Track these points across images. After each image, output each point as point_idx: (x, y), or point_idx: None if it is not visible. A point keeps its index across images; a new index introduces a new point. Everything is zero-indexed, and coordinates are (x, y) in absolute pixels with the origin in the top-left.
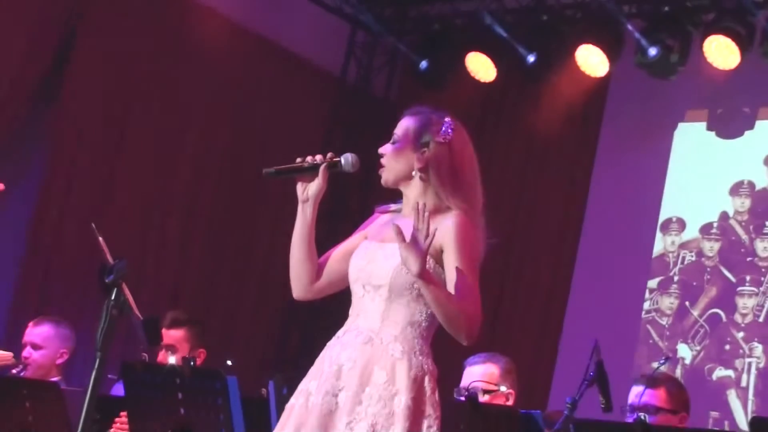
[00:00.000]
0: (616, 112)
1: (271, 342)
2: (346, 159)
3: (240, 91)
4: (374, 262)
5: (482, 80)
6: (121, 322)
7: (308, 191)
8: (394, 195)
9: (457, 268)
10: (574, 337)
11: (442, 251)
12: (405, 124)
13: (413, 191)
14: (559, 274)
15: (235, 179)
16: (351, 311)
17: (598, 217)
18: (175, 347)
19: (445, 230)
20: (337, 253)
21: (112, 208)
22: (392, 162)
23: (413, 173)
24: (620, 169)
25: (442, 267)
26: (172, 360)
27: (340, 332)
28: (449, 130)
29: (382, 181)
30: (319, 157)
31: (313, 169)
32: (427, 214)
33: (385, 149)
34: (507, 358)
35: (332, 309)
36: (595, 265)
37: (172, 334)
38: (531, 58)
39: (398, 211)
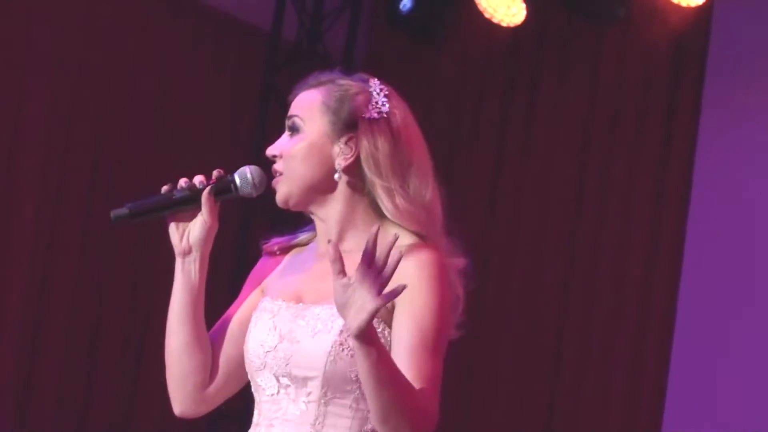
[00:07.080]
0: (727, 60)
1: None
2: (243, 176)
3: (127, 56)
4: (294, 339)
5: (504, 24)
6: None
7: (189, 236)
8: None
9: (420, 339)
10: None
11: (393, 307)
12: (308, 100)
13: (334, 209)
14: (651, 319)
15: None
16: (257, 417)
17: (709, 227)
18: None
19: (405, 276)
20: (232, 325)
21: None
22: (296, 165)
23: (335, 177)
24: (736, 150)
25: (390, 328)
26: None
27: None
28: (382, 98)
29: (280, 199)
30: (199, 180)
31: (193, 200)
32: (392, 241)
33: (280, 146)
34: None
35: None
36: (709, 306)
37: None
38: None
39: (303, 244)
